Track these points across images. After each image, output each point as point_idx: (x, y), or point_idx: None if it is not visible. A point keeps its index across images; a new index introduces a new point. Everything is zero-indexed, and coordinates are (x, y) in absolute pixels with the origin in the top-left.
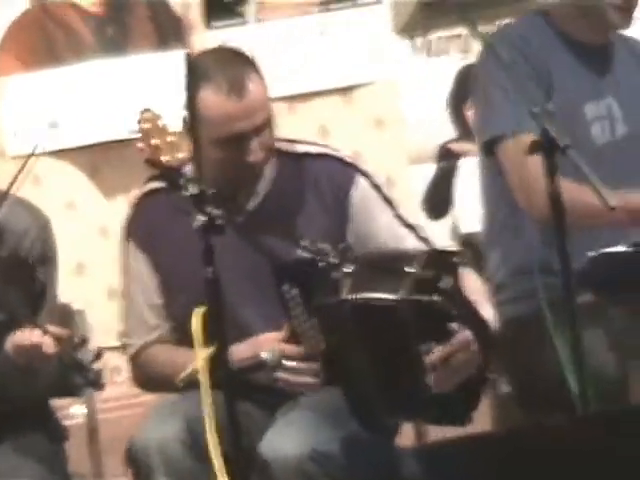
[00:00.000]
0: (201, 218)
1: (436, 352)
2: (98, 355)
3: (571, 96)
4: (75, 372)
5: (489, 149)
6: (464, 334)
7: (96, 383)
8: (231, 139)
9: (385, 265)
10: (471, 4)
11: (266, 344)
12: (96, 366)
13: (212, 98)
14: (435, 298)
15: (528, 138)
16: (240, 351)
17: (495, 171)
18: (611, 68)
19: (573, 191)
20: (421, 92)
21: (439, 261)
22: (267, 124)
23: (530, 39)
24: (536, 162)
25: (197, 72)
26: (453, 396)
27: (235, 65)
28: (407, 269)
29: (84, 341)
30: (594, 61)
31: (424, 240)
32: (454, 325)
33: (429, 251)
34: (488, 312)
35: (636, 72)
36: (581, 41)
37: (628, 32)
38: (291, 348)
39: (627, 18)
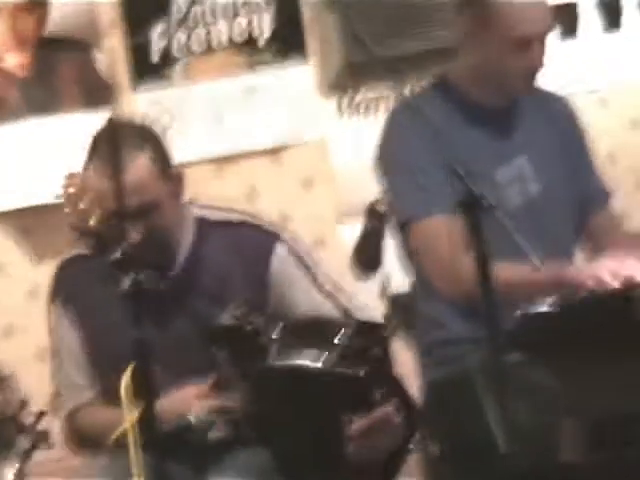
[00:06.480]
0: (127, 281)
1: (356, 423)
2: (41, 415)
3: (481, 163)
4: (20, 435)
5: (403, 229)
6: (385, 409)
7: (42, 443)
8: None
9: (313, 332)
10: (399, 62)
11: (191, 399)
12: (41, 427)
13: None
14: (361, 373)
15: (438, 220)
16: (166, 405)
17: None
18: (519, 127)
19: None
20: (349, 151)
21: (369, 332)
22: (153, 206)
23: (431, 112)
24: (453, 237)
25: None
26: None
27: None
28: (336, 339)
29: (24, 403)
30: (501, 123)
31: (343, 309)
32: (377, 396)
33: (359, 321)
34: (415, 386)
35: (544, 128)
36: (485, 105)
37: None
38: (217, 403)
39: (529, 84)
